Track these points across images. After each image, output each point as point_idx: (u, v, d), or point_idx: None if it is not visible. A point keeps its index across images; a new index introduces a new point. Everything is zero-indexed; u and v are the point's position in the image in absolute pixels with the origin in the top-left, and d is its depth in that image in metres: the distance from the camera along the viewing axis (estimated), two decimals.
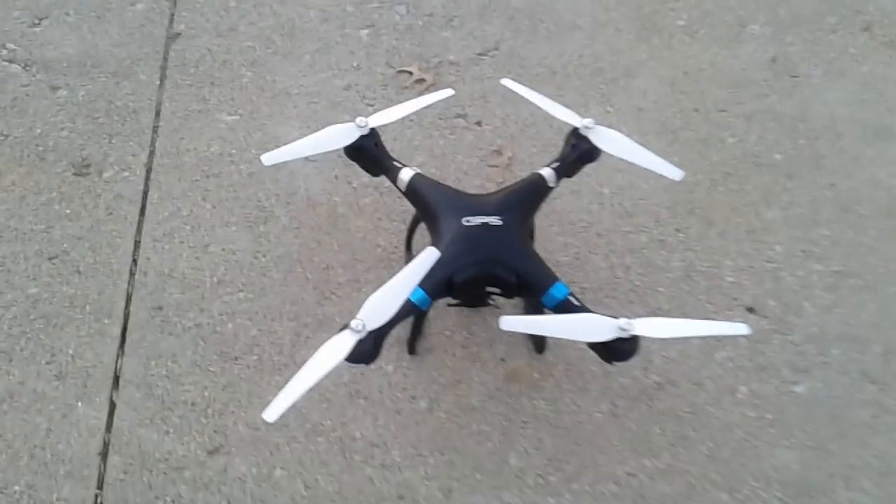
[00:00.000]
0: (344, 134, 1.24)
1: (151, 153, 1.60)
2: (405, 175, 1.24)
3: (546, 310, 1.14)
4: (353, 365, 1.01)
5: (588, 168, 1.28)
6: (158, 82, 1.70)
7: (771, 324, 1.44)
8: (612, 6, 1.87)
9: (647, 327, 1.03)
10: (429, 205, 1.21)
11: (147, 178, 1.57)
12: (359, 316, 0.99)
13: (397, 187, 1.26)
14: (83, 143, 1.62)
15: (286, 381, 0.94)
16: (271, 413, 0.93)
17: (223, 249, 1.50)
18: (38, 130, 1.64)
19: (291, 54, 1.76)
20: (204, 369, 1.37)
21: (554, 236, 1.52)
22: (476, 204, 1.20)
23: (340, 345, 0.98)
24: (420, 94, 1.69)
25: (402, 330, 1.39)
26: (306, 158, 1.61)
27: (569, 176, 1.28)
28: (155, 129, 1.63)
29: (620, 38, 1.81)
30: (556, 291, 1.13)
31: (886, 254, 1.52)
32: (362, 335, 0.98)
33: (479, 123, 1.68)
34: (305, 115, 1.66)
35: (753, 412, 1.35)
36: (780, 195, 1.60)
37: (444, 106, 1.69)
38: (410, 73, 1.72)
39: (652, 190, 1.60)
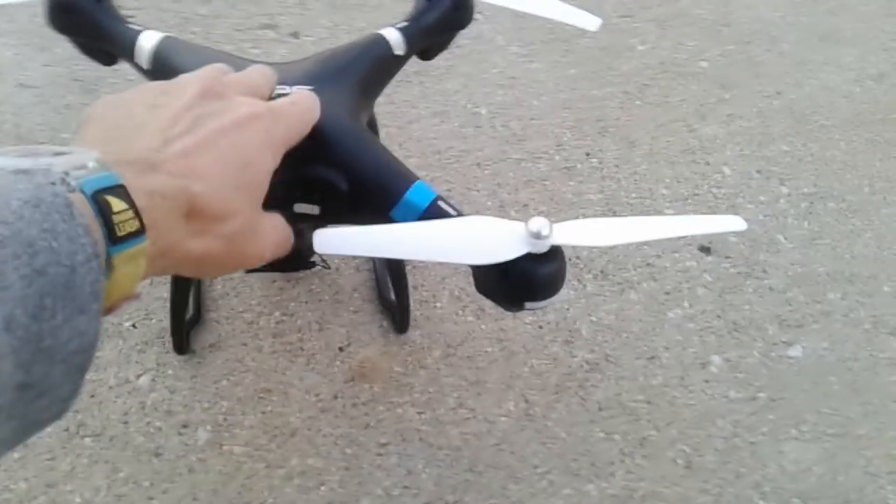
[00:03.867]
0: None
1: None
2: (147, 41, 0.68)
3: None
4: None
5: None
6: None
7: (736, 266, 0.98)
8: None
9: (575, 233, 0.52)
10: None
11: None
12: None
13: (137, 66, 0.70)
14: None
15: None
16: None
17: None
18: None
19: None
20: None
21: (413, 170, 1.00)
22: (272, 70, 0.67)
23: None
24: None
25: (162, 314, 0.83)
26: (20, 84, 1.04)
27: (427, 54, 0.77)
28: None
29: None
30: (416, 197, 0.60)
31: (866, 169, 1.11)
32: None
33: (295, 35, 1.16)
34: (27, 30, 1.10)
35: (738, 391, 0.87)
36: (716, 107, 1.17)
37: (243, 14, 1.17)
38: None
39: (547, 107, 1.13)
